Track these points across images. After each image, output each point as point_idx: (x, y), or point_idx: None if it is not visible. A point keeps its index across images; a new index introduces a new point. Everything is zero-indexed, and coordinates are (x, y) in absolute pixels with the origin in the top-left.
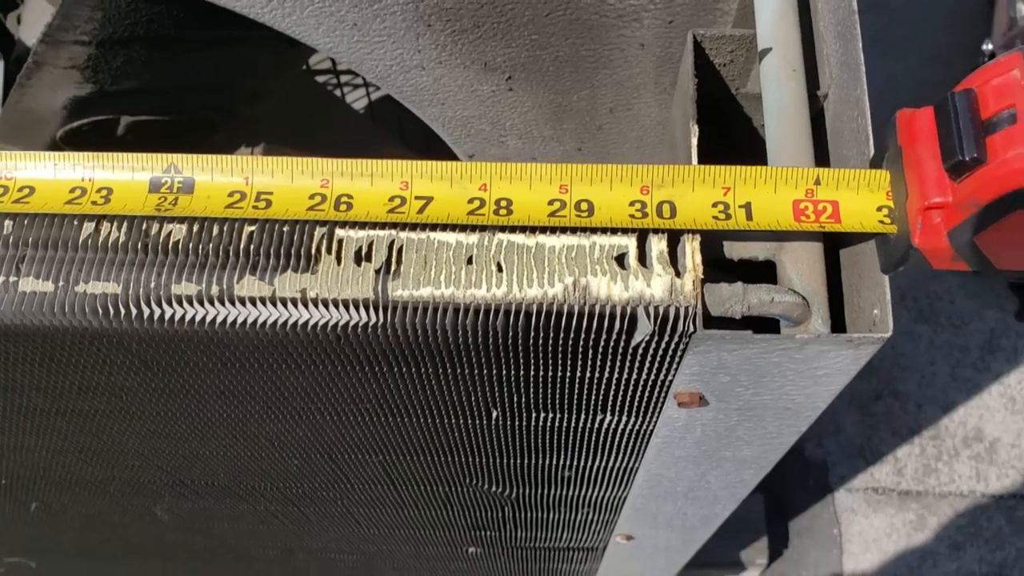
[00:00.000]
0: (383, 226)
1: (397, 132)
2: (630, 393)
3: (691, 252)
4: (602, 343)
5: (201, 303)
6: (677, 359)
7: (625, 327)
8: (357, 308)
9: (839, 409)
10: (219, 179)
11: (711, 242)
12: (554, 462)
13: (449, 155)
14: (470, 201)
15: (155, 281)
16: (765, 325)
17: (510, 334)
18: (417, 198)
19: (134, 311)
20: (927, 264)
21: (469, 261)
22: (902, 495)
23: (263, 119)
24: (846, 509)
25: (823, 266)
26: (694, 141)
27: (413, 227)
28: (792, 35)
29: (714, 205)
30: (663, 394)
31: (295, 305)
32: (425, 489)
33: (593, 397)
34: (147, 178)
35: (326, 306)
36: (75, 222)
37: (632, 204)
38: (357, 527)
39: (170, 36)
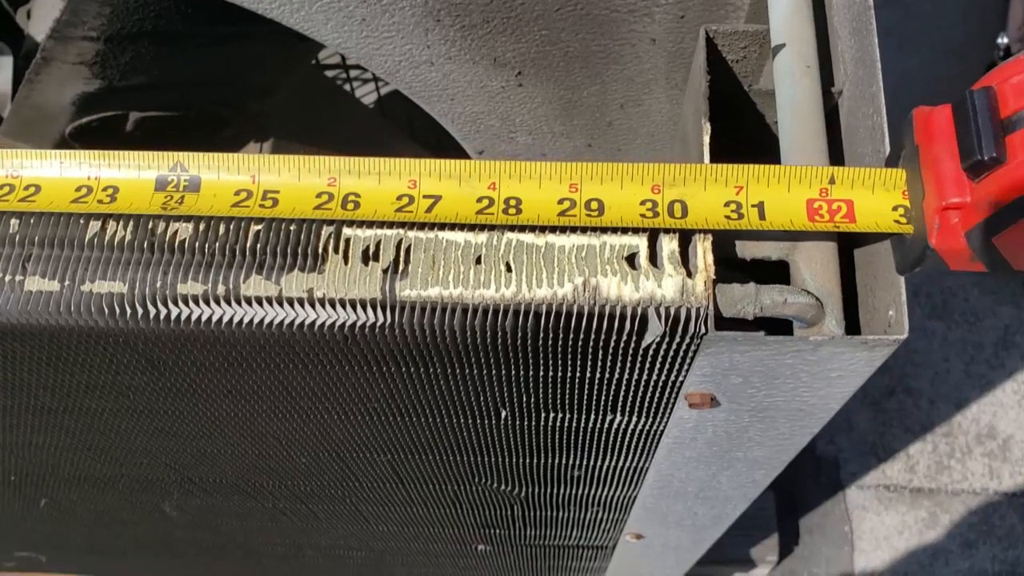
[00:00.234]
0: (391, 225)
1: (406, 127)
2: (640, 394)
3: (703, 252)
4: (612, 344)
5: (207, 303)
6: (688, 360)
7: (635, 328)
8: (364, 308)
9: (851, 406)
10: (225, 177)
11: (723, 241)
12: (564, 462)
13: (459, 150)
14: (479, 200)
15: (161, 280)
16: (778, 326)
17: (519, 335)
18: (425, 197)
19: (140, 311)
20: (944, 265)
21: (478, 261)
22: (914, 492)
23: (272, 114)
24: (858, 506)
25: (837, 266)
26: (706, 139)
27: (421, 226)
28: (806, 30)
29: (726, 204)
30: (674, 395)
31: (302, 305)
32: (434, 488)
33: (603, 398)
34: (153, 176)
35: (333, 306)
36: (81, 221)
37: (643, 203)
38: (366, 524)
39: (178, 32)
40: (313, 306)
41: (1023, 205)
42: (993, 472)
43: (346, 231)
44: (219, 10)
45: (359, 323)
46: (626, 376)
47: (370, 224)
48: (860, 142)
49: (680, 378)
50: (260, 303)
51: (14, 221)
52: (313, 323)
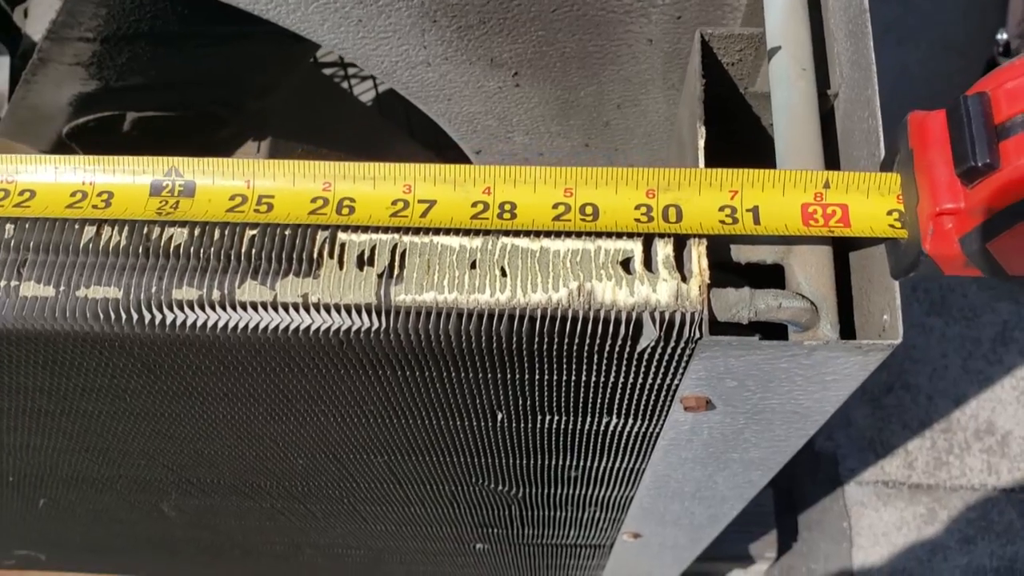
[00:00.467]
0: (386, 230)
1: (405, 125)
2: (636, 397)
3: (697, 257)
4: (607, 348)
5: (202, 308)
6: (683, 364)
7: (630, 332)
8: (359, 313)
9: (850, 402)
10: (220, 182)
11: (718, 245)
12: (560, 463)
13: (458, 148)
14: (473, 205)
15: (156, 286)
16: (773, 329)
17: (514, 339)
18: (420, 202)
19: (135, 316)
20: (938, 270)
21: (472, 265)
22: (912, 488)
23: (271, 113)
24: (856, 502)
25: (832, 270)
26: (701, 143)
27: (416, 231)
28: (802, 33)
29: (721, 209)
30: (669, 398)
31: (297, 310)
32: (431, 488)
33: (598, 401)
34: (148, 181)
35: (328, 311)
36: (76, 226)
37: (638, 208)
38: (364, 524)
39: (175, 32)
40: (308, 311)
41: (1017, 211)
42: (991, 468)
43: (341, 236)
44: (216, 11)
45: (354, 328)
46: (621, 380)
47: (365, 229)
48: (855, 145)
49: (675, 382)
50: (255, 308)
51: (9, 226)
52: (308, 328)
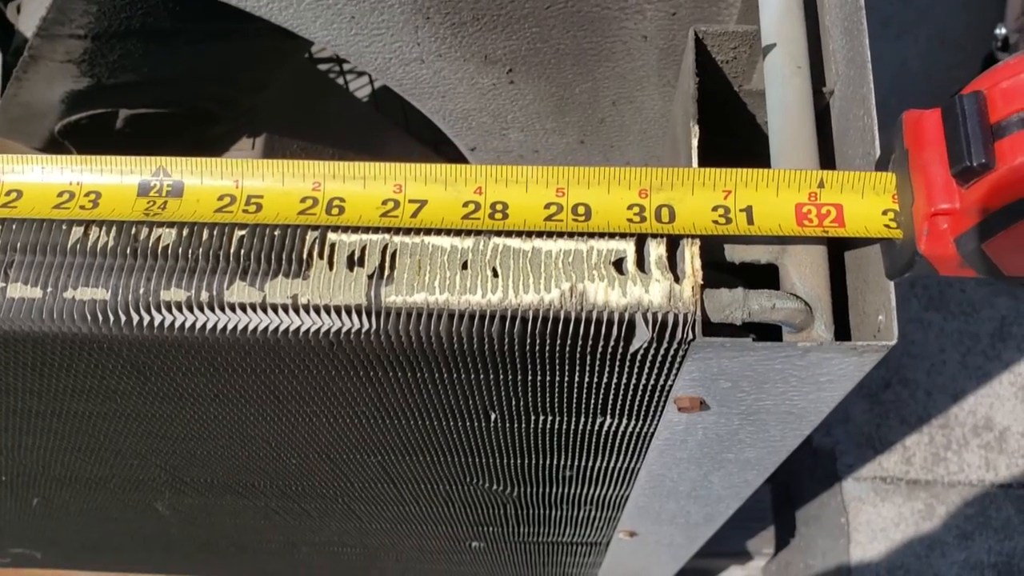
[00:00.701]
0: (376, 230)
1: (401, 121)
2: (629, 397)
3: (690, 257)
4: (600, 349)
5: (191, 309)
6: (677, 365)
7: (623, 334)
8: (350, 314)
9: (848, 398)
10: (208, 182)
11: (711, 245)
12: (555, 462)
13: (454, 144)
14: (465, 205)
15: (144, 287)
16: (767, 330)
17: (506, 340)
18: (411, 201)
19: (123, 317)
20: (933, 271)
21: (464, 266)
22: (911, 484)
23: (265, 109)
24: (854, 498)
25: (827, 270)
26: (694, 142)
27: (407, 231)
28: (797, 30)
29: (714, 209)
30: (663, 399)
31: (286, 311)
32: (426, 487)
33: (592, 401)
34: (136, 181)
35: (318, 312)
36: (63, 226)
37: (630, 208)
38: (359, 522)
39: (167, 29)
40: (298, 312)
41: (1013, 211)
42: (989, 464)
43: (331, 236)
44: (207, 7)
45: (344, 329)
46: (614, 380)
47: (355, 229)
48: (851, 144)
49: (669, 382)
50: (244, 309)
51: None
52: (298, 329)
